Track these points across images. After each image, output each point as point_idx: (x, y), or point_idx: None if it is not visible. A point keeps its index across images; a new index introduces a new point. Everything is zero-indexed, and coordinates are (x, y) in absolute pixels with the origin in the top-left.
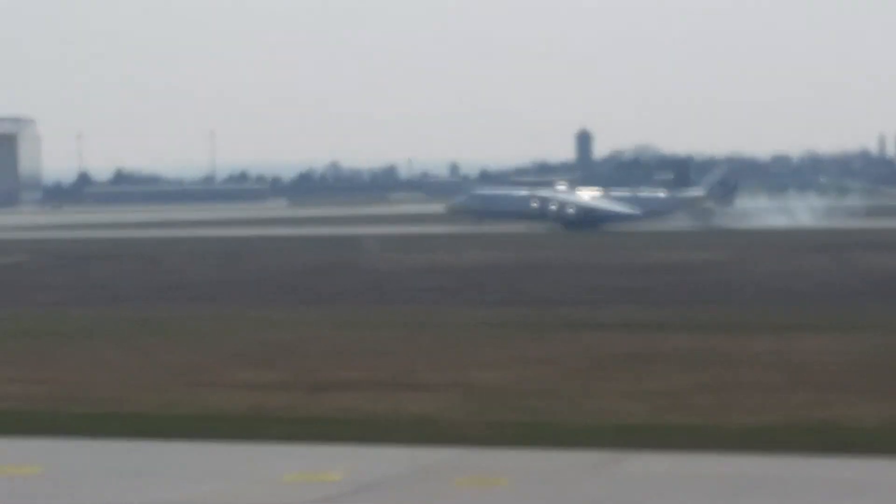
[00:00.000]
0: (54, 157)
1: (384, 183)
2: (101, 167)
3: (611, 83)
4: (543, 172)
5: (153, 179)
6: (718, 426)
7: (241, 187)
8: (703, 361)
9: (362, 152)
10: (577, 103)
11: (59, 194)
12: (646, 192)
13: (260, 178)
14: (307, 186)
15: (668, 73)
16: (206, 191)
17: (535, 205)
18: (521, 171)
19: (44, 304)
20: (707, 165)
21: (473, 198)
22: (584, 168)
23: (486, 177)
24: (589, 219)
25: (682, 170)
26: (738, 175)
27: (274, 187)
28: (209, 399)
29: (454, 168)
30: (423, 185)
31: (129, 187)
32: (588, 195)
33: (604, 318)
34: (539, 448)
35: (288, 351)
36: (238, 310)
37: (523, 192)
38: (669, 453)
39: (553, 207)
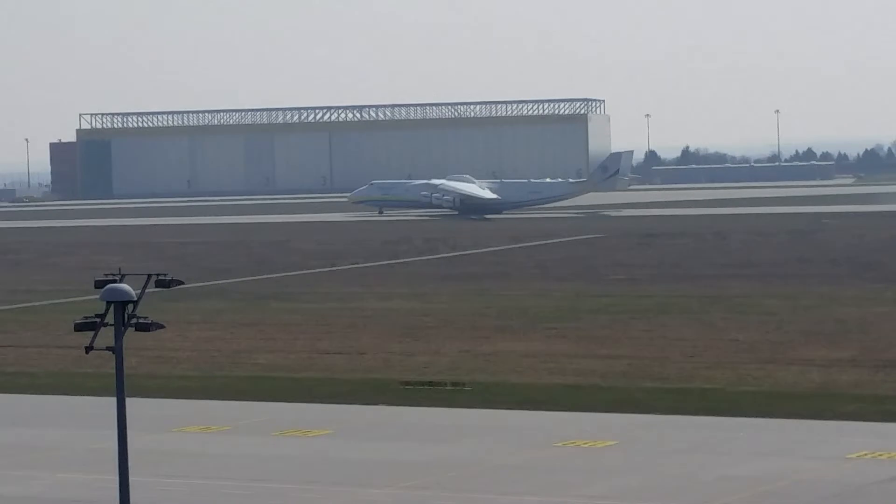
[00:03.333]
0: (623, 136)
1: None
2: (669, 146)
3: None
4: None
5: (719, 157)
6: None
7: (807, 164)
8: None
9: None
10: None
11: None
12: (540, 181)
13: (825, 155)
14: (874, 163)
15: None
16: (772, 168)
17: (424, 194)
18: None
19: (616, 282)
20: None
21: (372, 188)
22: None
23: None
24: (468, 206)
25: None
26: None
27: (840, 164)
28: (779, 376)
29: None
30: None
31: (695, 165)
32: (473, 185)
33: None
34: None
35: (857, 329)
36: (806, 287)
37: (417, 182)
38: None
39: (437, 196)
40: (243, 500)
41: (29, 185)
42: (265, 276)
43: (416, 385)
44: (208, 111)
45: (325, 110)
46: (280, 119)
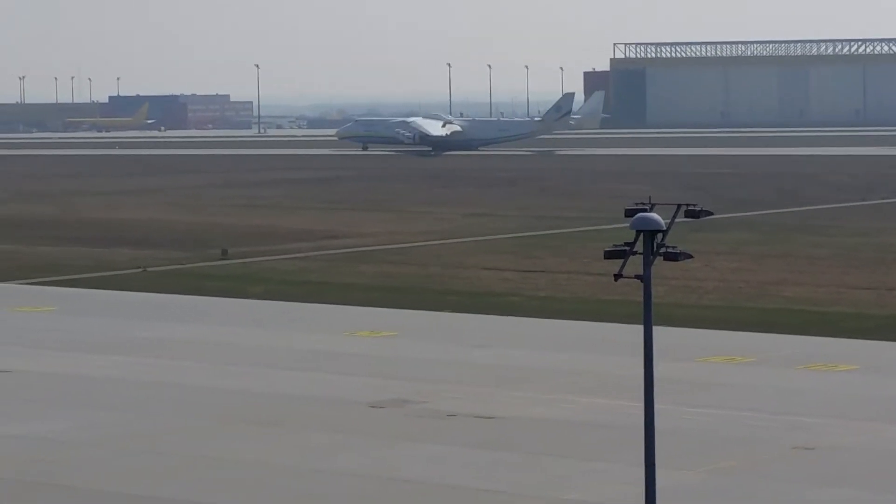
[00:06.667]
0: None
1: None
2: None
3: None
4: None
5: None
6: None
7: None
8: None
9: None
10: None
11: None
12: (508, 119)
13: None
14: None
15: None
16: None
17: (398, 131)
18: None
19: None
20: None
21: (357, 124)
22: None
23: None
24: (427, 142)
25: None
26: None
27: None
28: None
29: None
30: None
31: None
32: (437, 123)
33: None
34: None
35: None
36: None
37: (395, 120)
38: None
39: (402, 133)
40: (767, 433)
41: None
42: (793, 209)
43: None
44: (742, 42)
45: (860, 43)
46: (814, 51)
